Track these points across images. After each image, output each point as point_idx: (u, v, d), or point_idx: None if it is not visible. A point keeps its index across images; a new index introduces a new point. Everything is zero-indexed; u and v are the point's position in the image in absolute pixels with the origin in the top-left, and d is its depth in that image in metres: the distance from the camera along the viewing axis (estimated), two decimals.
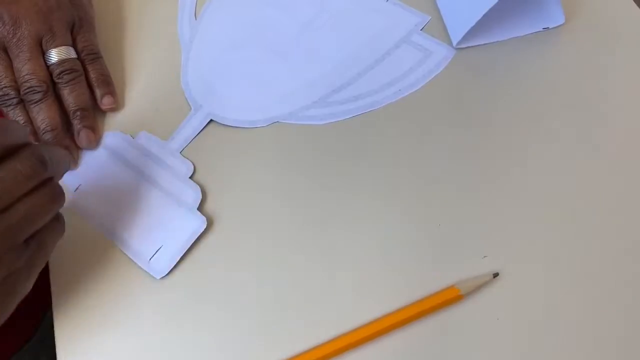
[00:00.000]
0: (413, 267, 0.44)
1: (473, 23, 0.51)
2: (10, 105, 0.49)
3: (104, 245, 0.47)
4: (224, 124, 0.52)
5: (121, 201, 0.49)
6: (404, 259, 0.45)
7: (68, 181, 0.50)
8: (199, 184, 0.49)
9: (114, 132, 0.52)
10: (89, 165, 0.51)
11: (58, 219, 0.40)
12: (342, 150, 0.50)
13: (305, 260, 0.46)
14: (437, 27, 0.56)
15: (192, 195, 0.48)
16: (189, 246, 0.47)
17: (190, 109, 0.53)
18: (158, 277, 0.46)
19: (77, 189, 0.50)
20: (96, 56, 0.52)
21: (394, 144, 0.50)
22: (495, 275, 0.43)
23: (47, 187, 0.37)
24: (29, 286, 0.37)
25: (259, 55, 0.55)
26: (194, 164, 0.50)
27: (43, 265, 0.38)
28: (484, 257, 0.44)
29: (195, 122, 0.52)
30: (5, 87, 0.49)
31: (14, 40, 0.48)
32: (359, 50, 0.54)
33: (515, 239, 0.45)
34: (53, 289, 0.46)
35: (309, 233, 0.47)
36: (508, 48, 0.54)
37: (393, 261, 0.45)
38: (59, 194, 0.38)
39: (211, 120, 0.52)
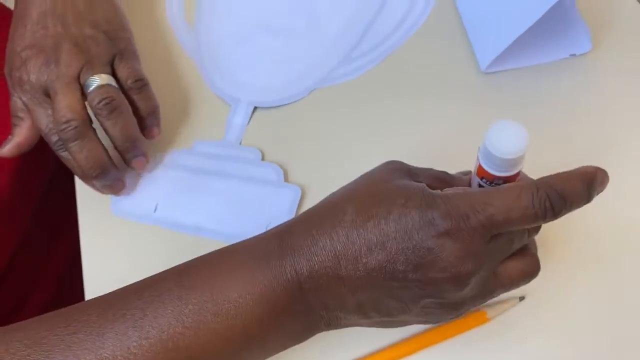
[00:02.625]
0: None
1: (502, 49, 0.52)
2: (60, 149, 0.47)
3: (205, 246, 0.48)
4: (267, 107, 0.55)
5: (205, 203, 0.50)
6: None
7: (144, 206, 0.50)
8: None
9: (170, 152, 0.53)
10: (157, 186, 0.51)
11: None
12: (382, 93, 0.55)
13: None
14: None
15: (274, 172, 0.51)
16: (293, 215, 0.49)
17: (228, 105, 0.55)
18: None
19: (155, 209, 0.50)
20: (143, 83, 0.49)
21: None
22: (522, 298, 0.45)
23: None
24: None
25: (268, 38, 0.58)
26: (259, 150, 0.52)
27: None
28: None
29: (240, 114, 0.54)
30: (52, 132, 0.46)
31: (53, 80, 0.46)
32: (356, 9, 0.59)
33: (541, 262, 0.45)
34: None
35: None
36: (534, 73, 0.55)
37: None
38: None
39: (255, 108, 0.55)
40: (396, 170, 0.38)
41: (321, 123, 0.54)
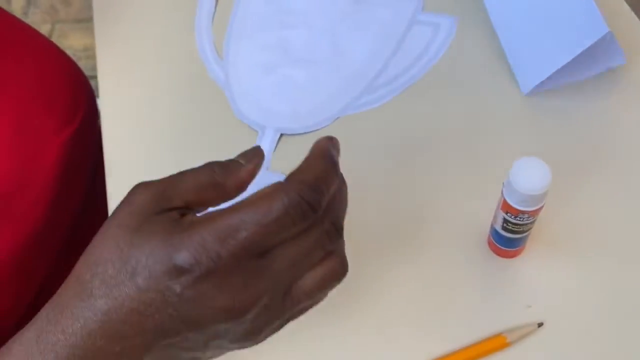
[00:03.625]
0: (460, 313, 0.47)
1: (544, 77, 0.54)
2: None
3: None
4: (293, 134, 0.57)
5: None
6: (452, 305, 0.48)
7: None
8: None
9: None
10: None
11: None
12: (407, 123, 0.56)
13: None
14: (433, 3, 0.64)
15: None
16: None
17: (255, 131, 0.57)
18: None
19: None
20: None
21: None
22: (540, 325, 0.46)
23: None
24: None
25: (293, 68, 0.60)
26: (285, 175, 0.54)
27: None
28: (528, 307, 0.47)
29: (267, 140, 0.56)
30: None
31: None
32: (378, 40, 0.61)
33: (558, 290, 0.48)
34: None
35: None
36: (573, 90, 0.57)
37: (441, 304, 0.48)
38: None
39: (281, 135, 0.56)
40: (137, 209, 0.32)
41: (344, 150, 0.55)
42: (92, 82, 0.65)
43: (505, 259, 0.48)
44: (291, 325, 0.34)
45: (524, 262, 0.49)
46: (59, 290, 0.32)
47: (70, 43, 1.65)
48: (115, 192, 0.55)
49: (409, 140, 0.56)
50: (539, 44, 0.56)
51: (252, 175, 0.35)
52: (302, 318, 0.34)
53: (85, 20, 1.72)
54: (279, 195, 0.30)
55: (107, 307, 0.30)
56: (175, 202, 0.32)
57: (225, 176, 0.34)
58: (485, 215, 0.49)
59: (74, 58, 0.64)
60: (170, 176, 0.34)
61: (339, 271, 0.33)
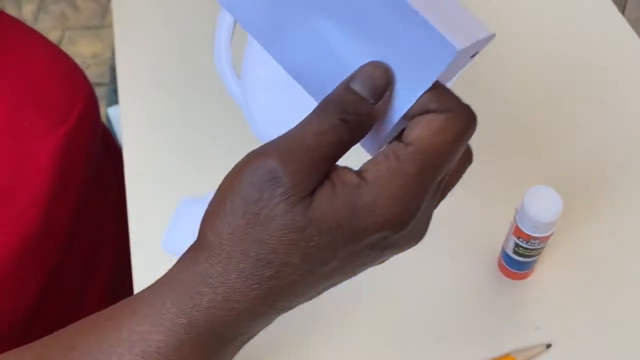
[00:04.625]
0: (470, 333, 0.48)
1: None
2: None
3: None
4: None
5: None
6: (462, 324, 0.49)
7: None
8: None
9: (213, 191, 0.56)
10: None
11: None
12: None
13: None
14: None
15: None
16: None
17: None
18: None
19: None
20: None
21: None
22: (549, 346, 0.47)
23: None
24: None
25: None
26: None
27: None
28: (537, 328, 0.48)
29: None
30: None
31: None
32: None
33: (566, 312, 0.49)
34: None
35: None
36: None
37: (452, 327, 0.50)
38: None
39: None
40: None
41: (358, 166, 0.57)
42: (100, 89, 0.65)
43: (514, 281, 0.50)
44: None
45: (532, 285, 0.50)
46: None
47: (79, 50, 1.68)
48: (134, 201, 0.57)
49: None
50: None
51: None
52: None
53: (94, 27, 1.74)
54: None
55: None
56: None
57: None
58: (496, 239, 0.50)
59: (83, 65, 0.65)
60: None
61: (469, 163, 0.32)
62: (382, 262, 0.33)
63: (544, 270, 0.51)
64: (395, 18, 0.33)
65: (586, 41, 0.66)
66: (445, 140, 0.29)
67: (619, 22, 0.67)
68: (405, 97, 0.32)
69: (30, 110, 0.54)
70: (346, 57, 0.37)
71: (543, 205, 0.40)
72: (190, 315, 0.30)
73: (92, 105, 0.61)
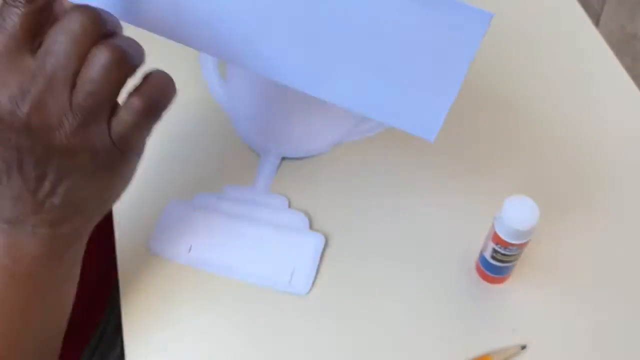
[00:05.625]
0: (448, 335, 0.50)
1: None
2: None
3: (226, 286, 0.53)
4: (295, 157, 0.59)
5: (236, 245, 0.54)
6: (439, 327, 0.51)
7: (180, 246, 0.54)
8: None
9: (200, 194, 0.57)
10: (192, 227, 0.55)
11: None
12: (398, 157, 0.60)
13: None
14: None
15: (299, 220, 0.55)
16: (317, 262, 0.53)
17: (256, 154, 0.60)
18: (303, 294, 0.52)
19: (190, 249, 0.54)
20: None
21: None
22: (523, 347, 0.49)
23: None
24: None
25: (295, 92, 0.63)
26: (287, 197, 0.57)
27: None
28: (513, 329, 0.50)
29: (269, 163, 0.59)
30: None
31: None
32: None
33: (541, 314, 0.51)
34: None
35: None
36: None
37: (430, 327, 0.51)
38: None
39: (283, 157, 0.59)
40: None
41: (345, 175, 0.59)
42: None
43: (491, 285, 0.52)
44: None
45: (509, 288, 0.52)
46: None
47: None
48: (119, 204, 0.57)
49: (406, 167, 0.59)
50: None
51: None
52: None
53: None
54: None
55: None
56: None
57: None
58: (473, 244, 0.52)
59: None
60: None
61: (114, 53, 0.33)
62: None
63: (520, 275, 0.52)
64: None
65: (559, 53, 0.68)
66: None
67: (593, 36, 0.69)
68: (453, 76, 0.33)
69: None
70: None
71: (521, 214, 0.42)
72: None
73: None
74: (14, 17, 0.32)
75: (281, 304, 0.52)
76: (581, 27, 0.71)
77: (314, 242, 0.54)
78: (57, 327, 0.45)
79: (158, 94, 0.36)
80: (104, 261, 0.69)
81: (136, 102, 0.35)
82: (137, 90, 0.35)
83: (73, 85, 0.33)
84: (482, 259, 0.49)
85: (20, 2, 0.32)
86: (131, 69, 0.34)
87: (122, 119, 0.35)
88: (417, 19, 0.34)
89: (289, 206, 0.57)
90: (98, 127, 0.34)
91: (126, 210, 0.57)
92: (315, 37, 0.36)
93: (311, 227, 0.55)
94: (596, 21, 1.29)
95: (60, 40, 0.32)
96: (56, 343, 0.46)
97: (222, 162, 0.60)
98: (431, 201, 0.57)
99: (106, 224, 0.66)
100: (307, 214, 0.56)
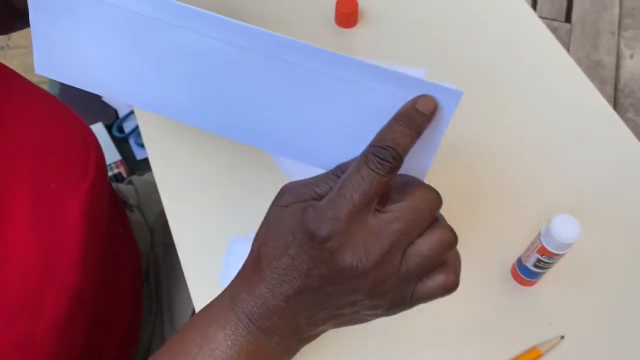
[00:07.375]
0: (491, 332, 0.58)
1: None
2: None
3: None
4: None
5: None
6: (482, 325, 0.59)
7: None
8: None
9: None
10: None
11: None
12: None
13: None
14: None
15: None
16: None
17: None
18: None
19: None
20: None
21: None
22: (562, 337, 0.57)
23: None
24: None
25: None
26: None
27: None
28: (550, 324, 0.59)
29: None
30: None
31: None
32: None
33: (578, 307, 0.59)
34: None
35: None
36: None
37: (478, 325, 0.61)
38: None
39: None
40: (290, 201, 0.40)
41: None
42: None
43: (523, 287, 0.60)
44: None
45: (540, 288, 0.61)
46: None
47: None
48: (181, 241, 0.62)
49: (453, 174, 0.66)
50: None
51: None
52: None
53: None
54: (361, 159, 0.36)
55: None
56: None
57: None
58: (508, 251, 0.60)
59: None
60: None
61: (449, 236, 0.38)
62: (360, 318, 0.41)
63: (549, 274, 0.61)
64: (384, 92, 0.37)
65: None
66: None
67: (564, 57, 0.79)
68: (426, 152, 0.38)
69: (54, 170, 0.55)
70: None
71: (567, 230, 0.51)
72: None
73: (102, 157, 0.63)
74: (374, 182, 0.35)
75: None
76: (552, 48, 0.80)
77: None
78: None
79: (459, 271, 0.40)
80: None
81: (448, 281, 0.39)
82: (450, 268, 0.39)
83: (404, 251, 0.37)
84: (523, 267, 0.57)
85: (384, 171, 0.36)
86: (452, 248, 0.39)
87: (429, 287, 0.39)
88: (395, 100, 0.37)
89: None
90: (408, 287, 0.38)
91: (188, 248, 0.62)
92: (300, 116, 0.41)
93: None
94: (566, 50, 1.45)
95: (410, 219, 0.36)
96: None
97: (267, 198, 0.65)
98: (470, 221, 0.64)
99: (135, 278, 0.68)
100: None
